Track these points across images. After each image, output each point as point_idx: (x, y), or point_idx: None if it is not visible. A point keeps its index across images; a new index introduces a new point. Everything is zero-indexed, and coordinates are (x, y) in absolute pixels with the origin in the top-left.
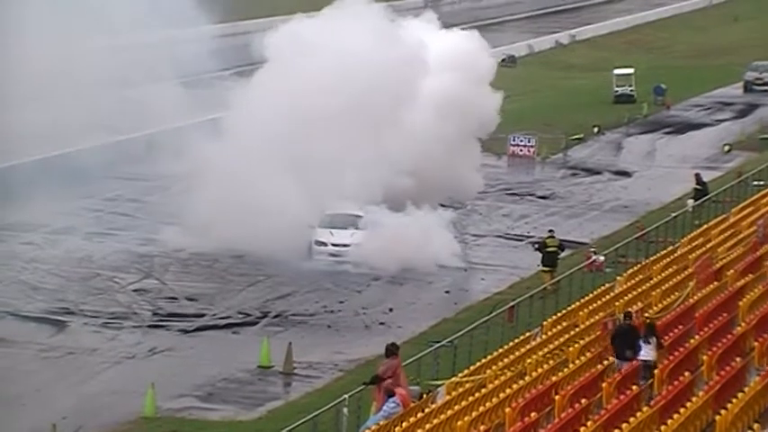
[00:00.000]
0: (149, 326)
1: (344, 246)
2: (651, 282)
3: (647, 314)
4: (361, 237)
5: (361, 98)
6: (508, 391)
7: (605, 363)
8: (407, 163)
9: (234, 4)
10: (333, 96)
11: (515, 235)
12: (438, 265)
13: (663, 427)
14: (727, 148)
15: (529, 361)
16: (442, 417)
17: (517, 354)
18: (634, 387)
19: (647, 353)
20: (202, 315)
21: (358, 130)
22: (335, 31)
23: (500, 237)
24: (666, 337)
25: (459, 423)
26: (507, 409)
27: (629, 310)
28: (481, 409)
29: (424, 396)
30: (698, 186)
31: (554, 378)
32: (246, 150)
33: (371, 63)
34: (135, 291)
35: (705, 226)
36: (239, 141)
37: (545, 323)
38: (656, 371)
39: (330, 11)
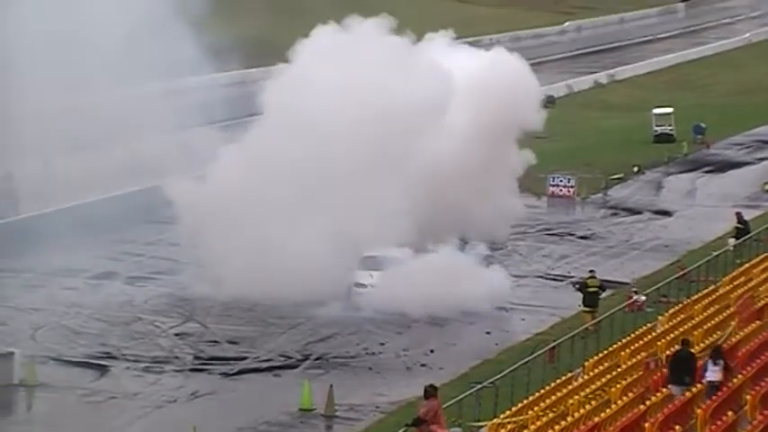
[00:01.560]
0: (191, 369)
1: (362, 286)
2: (693, 321)
3: (716, 336)
4: (379, 278)
5: (379, 135)
6: (550, 431)
7: (647, 403)
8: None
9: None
10: (349, 136)
11: (556, 275)
12: (466, 309)
13: None
14: (767, 186)
15: (571, 401)
16: None
17: (559, 394)
18: (677, 428)
19: (713, 374)
20: (244, 358)
21: (380, 165)
22: (349, 63)
23: (540, 277)
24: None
25: None
26: None
27: (687, 338)
28: None
29: None
30: (739, 225)
31: (596, 419)
32: (274, 190)
33: (388, 98)
34: (176, 335)
35: (747, 265)
36: (267, 183)
37: (586, 363)
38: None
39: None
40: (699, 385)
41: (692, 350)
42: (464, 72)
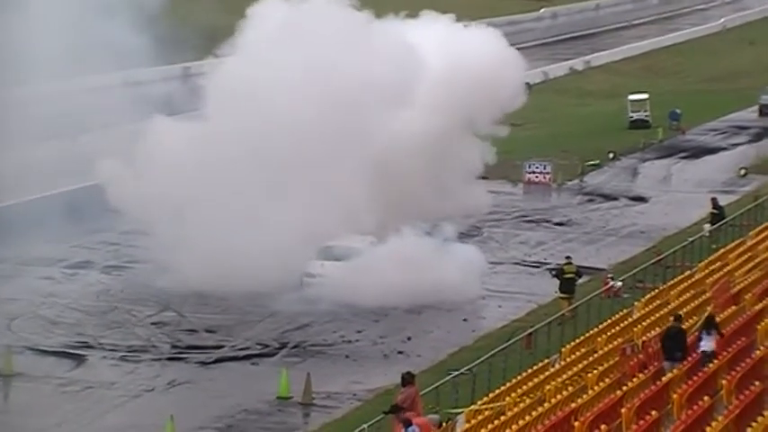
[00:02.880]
0: (168, 358)
1: (311, 276)
2: (669, 306)
3: (707, 308)
4: (333, 268)
5: (332, 117)
6: (527, 418)
7: (624, 388)
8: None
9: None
10: (300, 118)
11: (532, 262)
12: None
13: None
14: (743, 171)
15: (548, 387)
16: None
17: (536, 381)
18: (653, 413)
19: (707, 344)
20: (221, 347)
21: (337, 147)
22: (304, 37)
23: (517, 264)
24: (684, 363)
25: None
26: None
27: (679, 313)
28: None
29: (444, 424)
30: (714, 211)
31: (573, 404)
32: (223, 174)
33: (341, 78)
34: (153, 324)
35: (722, 250)
36: (214, 167)
37: (563, 350)
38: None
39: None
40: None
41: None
42: (441, 50)
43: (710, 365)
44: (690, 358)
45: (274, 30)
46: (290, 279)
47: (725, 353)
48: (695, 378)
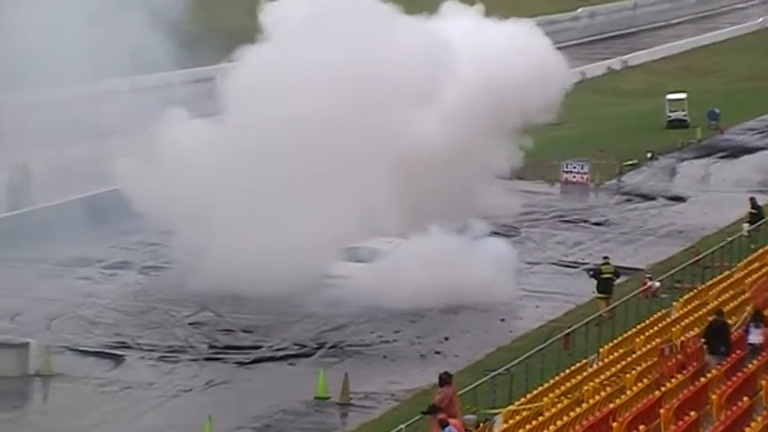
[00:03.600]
0: (206, 359)
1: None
2: (708, 307)
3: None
4: (357, 269)
5: (357, 115)
6: (565, 418)
7: (662, 389)
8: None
9: None
10: (325, 116)
11: (570, 262)
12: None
13: None
14: None
15: (586, 388)
16: None
17: (574, 381)
18: (692, 413)
19: (754, 337)
20: (259, 347)
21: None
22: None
23: (555, 264)
24: (725, 362)
25: None
26: None
27: (721, 309)
28: None
29: (481, 425)
30: (753, 210)
31: (611, 405)
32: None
33: (367, 76)
34: (191, 324)
35: (761, 250)
36: (237, 167)
37: (601, 350)
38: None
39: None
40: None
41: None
42: (476, 48)
43: (758, 359)
44: (735, 353)
45: (297, 27)
46: (313, 280)
47: (764, 353)
48: (734, 378)
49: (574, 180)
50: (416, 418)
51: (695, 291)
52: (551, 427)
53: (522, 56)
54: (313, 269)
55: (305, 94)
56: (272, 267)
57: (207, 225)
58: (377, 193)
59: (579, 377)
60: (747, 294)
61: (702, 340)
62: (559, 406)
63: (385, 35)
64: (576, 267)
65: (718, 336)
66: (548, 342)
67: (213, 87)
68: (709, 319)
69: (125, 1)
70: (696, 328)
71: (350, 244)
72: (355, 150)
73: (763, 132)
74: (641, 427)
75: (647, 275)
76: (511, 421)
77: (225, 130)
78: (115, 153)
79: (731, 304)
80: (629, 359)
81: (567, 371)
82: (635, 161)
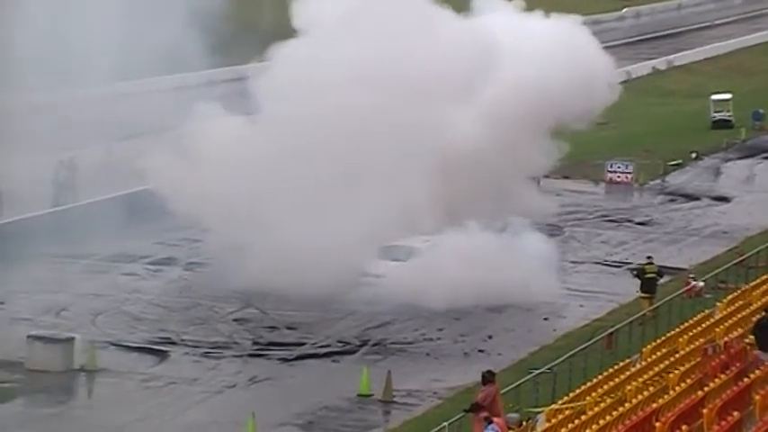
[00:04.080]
0: (250, 355)
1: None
2: (751, 307)
3: None
4: (394, 268)
5: (397, 113)
6: (608, 417)
7: (706, 389)
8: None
9: None
10: (364, 114)
11: (614, 261)
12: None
13: None
14: None
15: (628, 388)
16: None
17: (617, 380)
18: (735, 413)
19: None
20: (302, 344)
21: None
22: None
23: (599, 263)
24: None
25: None
26: None
27: None
28: None
29: (524, 423)
30: None
31: (654, 405)
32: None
33: (408, 74)
34: (235, 320)
35: None
36: (274, 165)
37: (644, 350)
38: None
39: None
40: None
41: None
42: (524, 43)
43: None
44: None
45: (333, 23)
46: (351, 278)
47: None
48: None
49: (618, 180)
50: (459, 416)
51: (739, 291)
52: (594, 427)
53: (567, 55)
54: (352, 267)
55: (342, 91)
56: (313, 265)
57: (245, 222)
58: (416, 192)
59: (622, 376)
60: None
61: (752, 336)
62: (602, 405)
63: (424, 31)
64: (620, 267)
65: (767, 332)
66: (591, 341)
67: (247, 86)
68: (759, 315)
69: None
70: (740, 329)
71: (387, 243)
72: (393, 148)
73: None
74: (684, 428)
75: (691, 275)
76: (553, 420)
77: (260, 128)
78: (152, 150)
79: None
80: (672, 359)
81: (610, 370)
82: (679, 161)
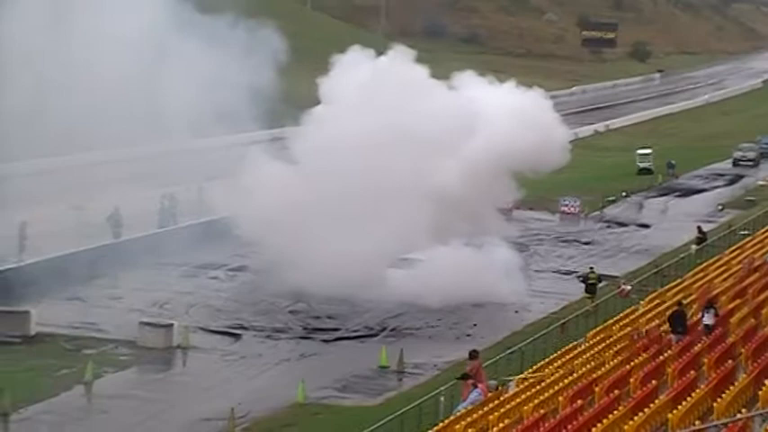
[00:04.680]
0: (300, 337)
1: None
2: (665, 305)
3: (709, 296)
4: (401, 275)
5: (402, 161)
6: (561, 384)
7: (632, 364)
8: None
9: None
10: (379, 161)
11: (566, 271)
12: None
13: (675, 411)
14: (720, 207)
15: (576, 362)
16: (513, 403)
17: (568, 357)
18: (653, 382)
19: (707, 319)
20: (338, 329)
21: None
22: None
23: (555, 272)
24: (683, 340)
25: (525, 408)
26: (560, 398)
27: (681, 300)
28: (541, 397)
29: (500, 388)
30: (699, 235)
31: (594, 375)
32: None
33: (415, 131)
34: (290, 312)
35: (705, 264)
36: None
37: (588, 335)
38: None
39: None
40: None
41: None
42: (498, 110)
43: (708, 337)
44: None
45: (351, 94)
46: (372, 283)
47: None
48: (684, 357)
49: (569, 211)
50: (453, 382)
51: (656, 293)
52: (550, 391)
53: (530, 122)
54: (372, 275)
55: (358, 149)
56: (343, 273)
57: (292, 241)
58: (415, 220)
59: (572, 354)
60: (694, 296)
61: (667, 324)
62: (557, 375)
63: (423, 101)
64: (570, 275)
65: (678, 320)
66: (549, 329)
67: (287, 144)
68: (673, 309)
69: (229, 68)
70: (657, 320)
71: (397, 256)
72: (399, 190)
73: (707, 178)
74: (616, 391)
75: (622, 281)
76: (521, 386)
77: (299, 174)
78: (224, 189)
79: (683, 302)
80: (607, 342)
81: (563, 350)
82: (614, 198)
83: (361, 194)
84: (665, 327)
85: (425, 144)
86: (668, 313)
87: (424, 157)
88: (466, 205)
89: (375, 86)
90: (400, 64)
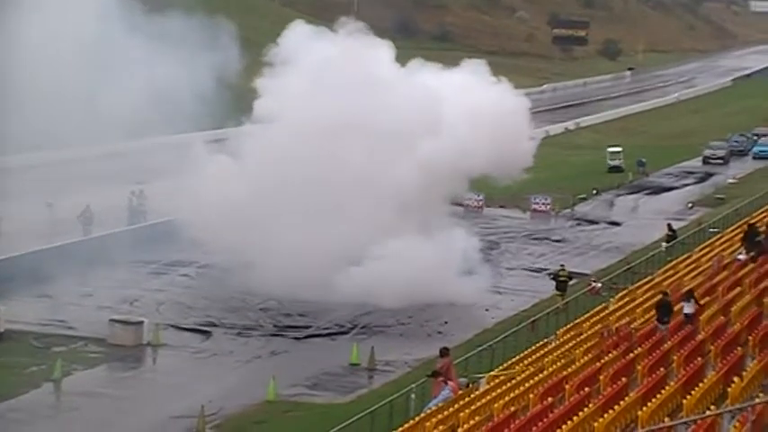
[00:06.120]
0: (271, 334)
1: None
2: (635, 302)
3: (691, 286)
4: (358, 272)
5: (358, 156)
6: (531, 381)
7: (602, 361)
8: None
9: None
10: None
11: (536, 268)
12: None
13: (644, 408)
14: (690, 204)
15: (546, 360)
16: (483, 401)
17: (538, 355)
18: (623, 379)
19: (688, 308)
20: (310, 326)
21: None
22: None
23: (525, 269)
24: (644, 344)
25: (495, 405)
26: (531, 395)
27: (667, 290)
28: (512, 395)
29: (470, 385)
30: (669, 232)
31: (565, 372)
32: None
33: (371, 122)
34: (260, 309)
35: (675, 261)
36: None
37: (558, 332)
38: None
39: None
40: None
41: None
42: (467, 106)
43: (688, 328)
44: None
45: (311, 80)
46: (331, 281)
47: (676, 336)
48: (653, 355)
49: (540, 209)
50: (423, 379)
51: (626, 290)
52: (521, 388)
53: (495, 122)
54: (332, 273)
55: (316, 141)
56: (296, 274)
57: (242, 241)
58: (370, 216)
59: (542, 352)
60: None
61: (638, 322)
62: (527, 372)
63: (385, 92)
64: (541, 272)
65: (663, 310)
66: (519, 326)
67: (237, 142)
68: (657, 297)
69: (190, 65)
70: (627, 318)
71: (352, 254)
72: (356, 185)
73: (677, 176)
74: (586, 389)
75: (592, 278)
76: (492, 383)
77: (247, 170)
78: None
79: (653, 300)
80: (578, 339)
81: (533, 347)
82: (584, 196)
83: (314, 193)
84: (636, 324)
85: (384, 141)
86: (655, 301)
87: (380, 150)
88: (420, 202)
89: (335, 74)
90: (358, 47)
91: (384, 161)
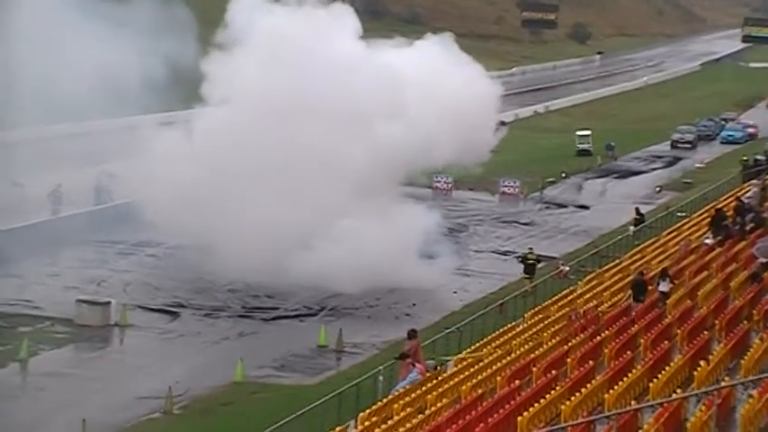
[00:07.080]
0: (239, 316)
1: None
2: (603, 285)
3: (665, 266)
4: (314, 254)
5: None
6: (499, 364)
7: (569, 344)
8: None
9: None
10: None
11: (505, 251)
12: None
13: (611, 391)
14: (658, 189)
15: (514, 342)
16: (451, 383)
17: (506, 337)
18: (590, 362)
19: (663, 287)
20: (278, 308)
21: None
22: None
23: (494, 252)
24: (611, 328)
25: (463, 388)
26: (498, 378)
27: (643, 270)
28: (479, 377)
29: (438, 368)
30: (637, 216)
31: (532, 355)
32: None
33: (332, 105)
34: (229, 290)
35: (642, 245)
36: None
37: (526, 315)
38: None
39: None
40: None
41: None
42: (432, 86)
43: (665, 304)
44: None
45: (267, 55)
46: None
47: (642, 320)
48: (620, 339)
49: (509, 192)
50: (391, 361)
51: (594, 273)
52: (488, 371)
53: (458, 107)
54: (285, 256)
55: (271, 120)
56: (263, 254)
57: (200, 223)
58: (329, 196)
59: (510, 334)
60: (631, 277)
61: (605, 305)
62: (495, 355)
63: (344, 73)
64: (509, 255)
65: (638, 288)
66: (488, 308)
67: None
68: (633, 276)
69: (144, 50)
70: (595, 301)
71: (307, 237)
72: (313, 166)
73: (645, 160)
74: (553, 372)
75: (560, 262)
76: (459, 365)
77: (202, 152)
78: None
79: (620, 284)
80: (545, 322)
81: (501, 330)
82: (553, 179)
83: (271, 172)
84: (603, 307)
85: (342, 123)
86: (630, 279)
87: (337, 132)
88: (374, 185)
89: (293, 49)
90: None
91: (341, 143)
